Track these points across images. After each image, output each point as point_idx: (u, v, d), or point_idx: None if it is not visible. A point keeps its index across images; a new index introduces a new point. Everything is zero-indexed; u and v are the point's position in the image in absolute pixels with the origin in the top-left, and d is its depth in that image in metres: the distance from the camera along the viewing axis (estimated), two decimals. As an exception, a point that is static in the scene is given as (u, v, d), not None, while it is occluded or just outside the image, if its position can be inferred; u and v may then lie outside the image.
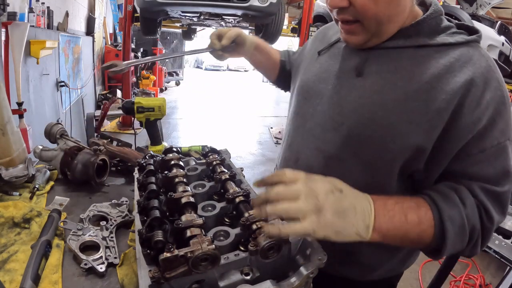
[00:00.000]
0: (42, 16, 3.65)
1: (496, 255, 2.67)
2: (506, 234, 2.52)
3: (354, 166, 0.85)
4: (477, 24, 4.15)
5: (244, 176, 1.00)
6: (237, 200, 0.80)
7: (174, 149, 1.05)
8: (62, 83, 4.41)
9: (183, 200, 0.76)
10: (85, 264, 0.84)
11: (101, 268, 0.84)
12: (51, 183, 1.26)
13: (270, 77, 1.29)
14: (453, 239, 0.72)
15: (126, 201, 1.13)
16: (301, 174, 0.67)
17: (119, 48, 7.11)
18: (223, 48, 1.11)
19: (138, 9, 4.90)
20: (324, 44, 1.00)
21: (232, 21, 5.33)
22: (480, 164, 0.75)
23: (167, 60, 11.59)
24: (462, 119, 0.73)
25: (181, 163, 0.98)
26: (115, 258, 0.89)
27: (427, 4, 0.85)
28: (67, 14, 4.78)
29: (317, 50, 1.01)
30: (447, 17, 0.85)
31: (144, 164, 1.01)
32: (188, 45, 13.45)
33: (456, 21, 0.85)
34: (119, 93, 6.79)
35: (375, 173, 0.84)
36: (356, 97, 0.85)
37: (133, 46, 7.14)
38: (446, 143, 0.76)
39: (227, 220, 0.81)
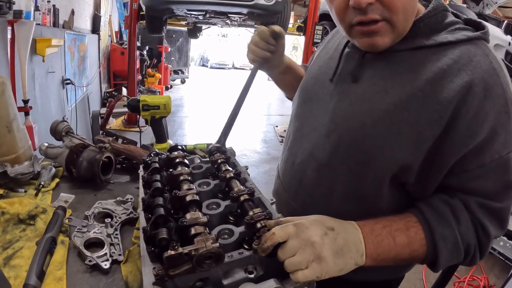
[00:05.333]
0: (48, 14, 3.68)
1: (501, 256, 2.66)
2: (510, 236, 2.50)
3: (344, 175, 0.83)
4: (484, 23, 4.10)
5: (249, 175, 0.99)
6: (242, 198, 0.79)
7: (179, 147, 1.05)
8: (68, 81, 4.43)
9: (188, 198, 0.76)
10: (90, 261, 0.85)
11: (106, 265, 0.85)
12: (57, 180, 1.27)
13: (291, 94, 1.20)
14: (447, 257, 0.72)
15: (131, 199, 1.13)
16: (290, 228, 0.65)
17: (125, 46, 7.14)
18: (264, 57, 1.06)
19: (143, 7, 4.92)
20: (330, 45, 0.97)
21: (237, 20, 5.33)
22: (478, 180, 0.70)
23: (172, 58, 11.63)
24: (455, 132, 0.67)
25: (186, 161, 0.98)
26: (120, 255, 0.89)
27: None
28: (72, 12, 4.81)
29: (321, 52, 0.99)
30: (456, 12, 0.76)
31: (149, 161, 1.01)
32: (194, 43, 13.50)
33: (465, 17, 0.75)
34: (124, 91, 6.81)
35: (364, 184, 0.80)
36: (348, 105, 0.81)
37: (138, 44, 7.16)
38: (438, 158, 0.70)
39: (231, 218, 0.81)
